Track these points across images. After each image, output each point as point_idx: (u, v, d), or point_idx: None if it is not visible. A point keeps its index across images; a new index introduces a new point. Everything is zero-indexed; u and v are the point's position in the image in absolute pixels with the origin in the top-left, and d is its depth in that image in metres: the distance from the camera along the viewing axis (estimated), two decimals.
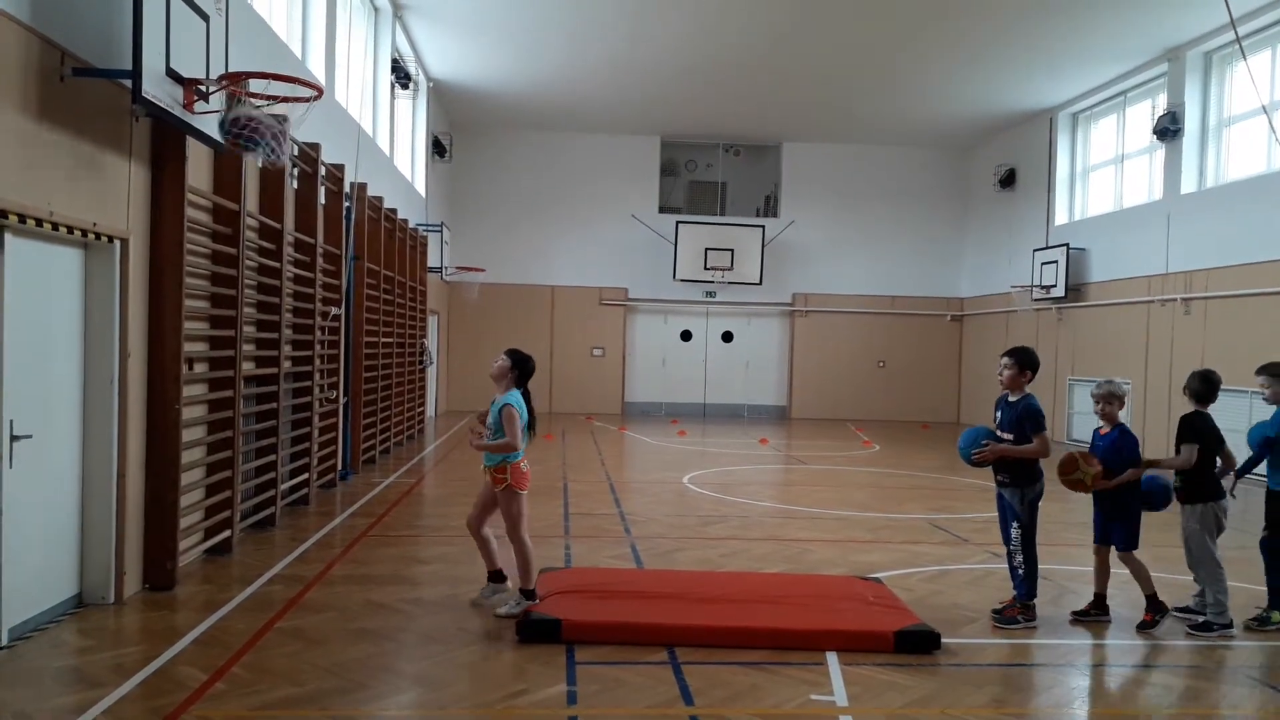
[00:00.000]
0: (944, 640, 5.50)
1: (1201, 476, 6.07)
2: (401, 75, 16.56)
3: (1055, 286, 19.11)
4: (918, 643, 5.41)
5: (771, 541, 8.55)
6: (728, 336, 24.48)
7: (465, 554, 7.67)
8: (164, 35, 5.59)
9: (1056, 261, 19.14)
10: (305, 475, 9.67)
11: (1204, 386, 6.23)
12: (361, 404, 12.38)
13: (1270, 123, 13.08)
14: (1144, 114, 17.67)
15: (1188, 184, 16.00)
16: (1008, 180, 21.98)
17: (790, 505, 10.70)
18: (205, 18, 6.17)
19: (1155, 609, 6.04)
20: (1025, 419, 6.04)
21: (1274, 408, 6.25)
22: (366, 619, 5.81)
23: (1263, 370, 6.40)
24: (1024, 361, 6.22)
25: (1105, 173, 19.27)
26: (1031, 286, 20.01)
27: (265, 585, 6.53)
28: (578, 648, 5.29)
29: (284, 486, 8.95)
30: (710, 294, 23.98)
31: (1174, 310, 15.86)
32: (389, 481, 11.54)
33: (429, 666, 5.07)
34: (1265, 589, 6.21)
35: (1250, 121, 15.00)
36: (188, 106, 5.94)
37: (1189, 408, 6.26)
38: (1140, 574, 6.11)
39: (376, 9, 15.34)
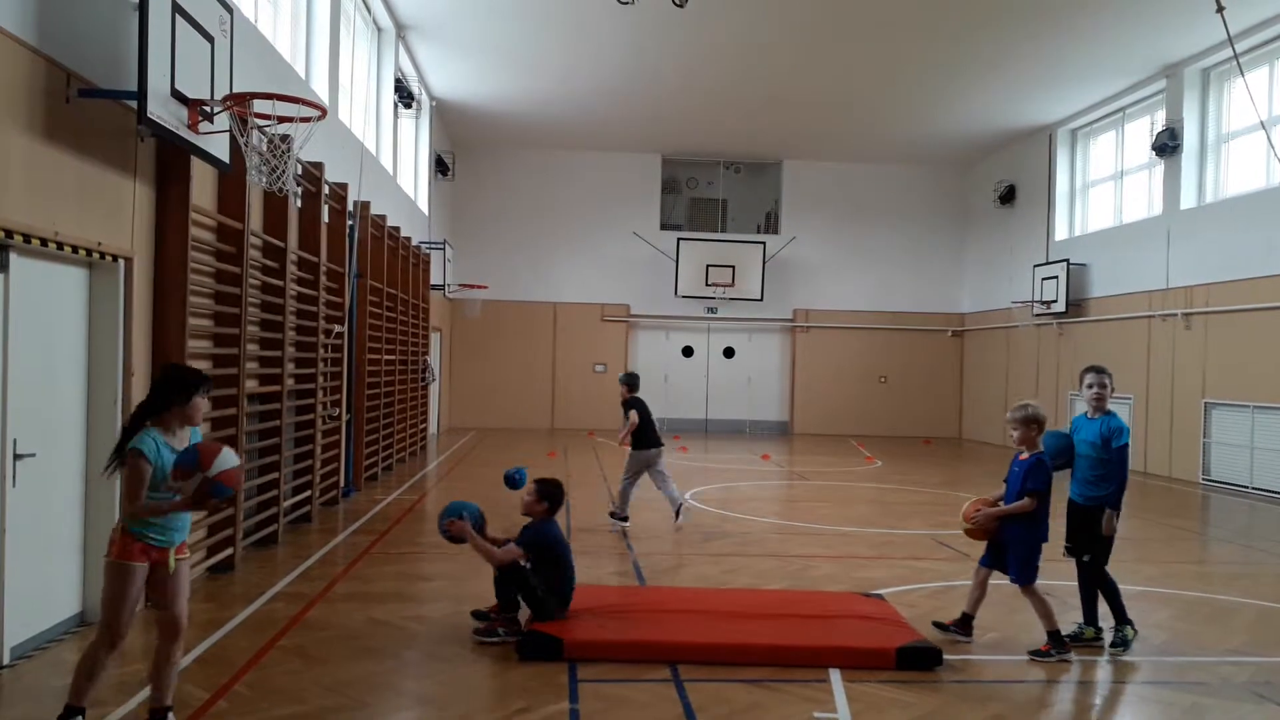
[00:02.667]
0: (946, 657, 5.50)
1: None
2: (404, 95, 16.66)
3: (1056, 302, 19.14)
4: (920, 659, 5.41)
5: (774, 558, 8.53)
6: (729, 352, 24.50)
7: (467, 571, 7.67)
8: (169, 56, 5.65)
9: (1057, 277, 19.18)
10: (308, 493, 9.68)
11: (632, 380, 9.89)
12: (364, 421, 12.40)
13: (1269, 138, 13.13)
14: (1143, 130, 17.75)
15: (1187, 199, 16.06)
16: (1007, 196, 22.05)
17: (792, 521, 10.68)
18: (210, 39, 6.24)
19: (1056, 644, 5.62)
20: None
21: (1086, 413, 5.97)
22: (369, 637, 5.81)
23: (1091, 369, 6.05)
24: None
25: (1105, 188, 19.32)
26: (1032, 302, 20.04)
27: (267, 603, 6.53)
28: (580, 665, 5.28)
29: (286, 504, 8.95)
30: (712, 310, 24.03)
31: (1174, 325, 15.87)
32: (391, 498, 11.54)
33: (431, 684, 5.06)
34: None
35: (1249, 137, 15.07)
36: (192, 127, 5.99)
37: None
38: (1042, 609, 5.69)
39: (380, 29, 15.45)
